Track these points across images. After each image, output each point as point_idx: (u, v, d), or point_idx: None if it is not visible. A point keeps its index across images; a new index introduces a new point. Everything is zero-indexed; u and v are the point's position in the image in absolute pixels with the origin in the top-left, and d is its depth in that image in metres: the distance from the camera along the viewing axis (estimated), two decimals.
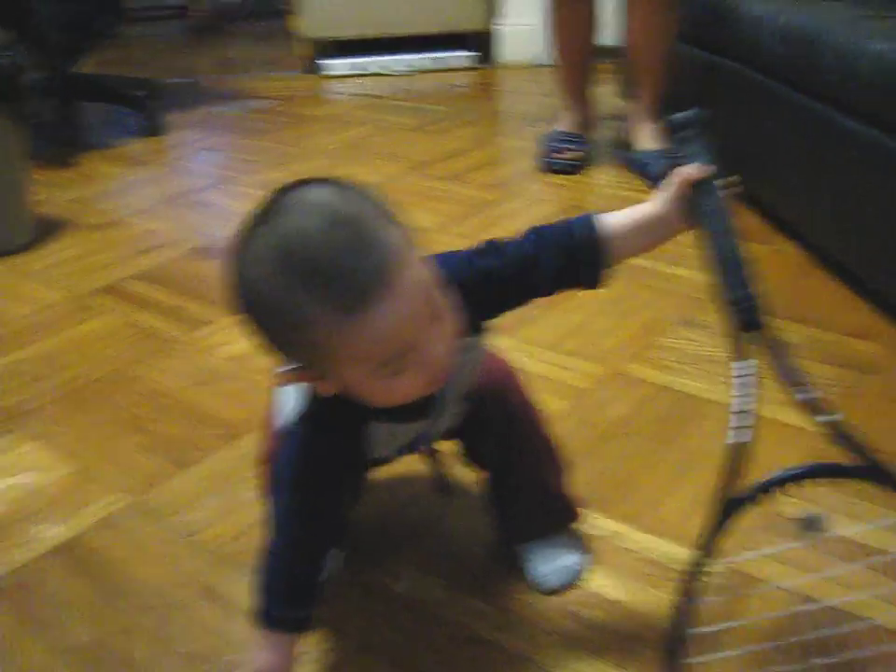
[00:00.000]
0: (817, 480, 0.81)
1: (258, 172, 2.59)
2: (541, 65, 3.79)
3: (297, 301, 0.71)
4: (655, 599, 1.02)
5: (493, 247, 0.88)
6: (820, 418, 0.78)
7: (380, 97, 3.45)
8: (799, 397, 0.78)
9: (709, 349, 1.52)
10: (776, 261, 1.85)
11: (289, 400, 0.93)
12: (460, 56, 3.83)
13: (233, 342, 1.62)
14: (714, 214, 0.83)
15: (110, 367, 1.57)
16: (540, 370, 1.47)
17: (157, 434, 1.38)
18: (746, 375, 0.79)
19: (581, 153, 2.48)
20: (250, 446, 1.29)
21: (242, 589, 1.02)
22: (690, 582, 0.79)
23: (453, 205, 2.25)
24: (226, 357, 1.58)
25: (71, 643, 1.01)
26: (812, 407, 0.78)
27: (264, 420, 1.04)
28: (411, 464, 1.12)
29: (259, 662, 0.88)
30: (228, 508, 1.20)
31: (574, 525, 1.10)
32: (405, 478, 1.21)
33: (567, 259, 0.87)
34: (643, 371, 1.48)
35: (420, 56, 3.80)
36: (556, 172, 2.43)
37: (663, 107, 2.37)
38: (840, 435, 0.78)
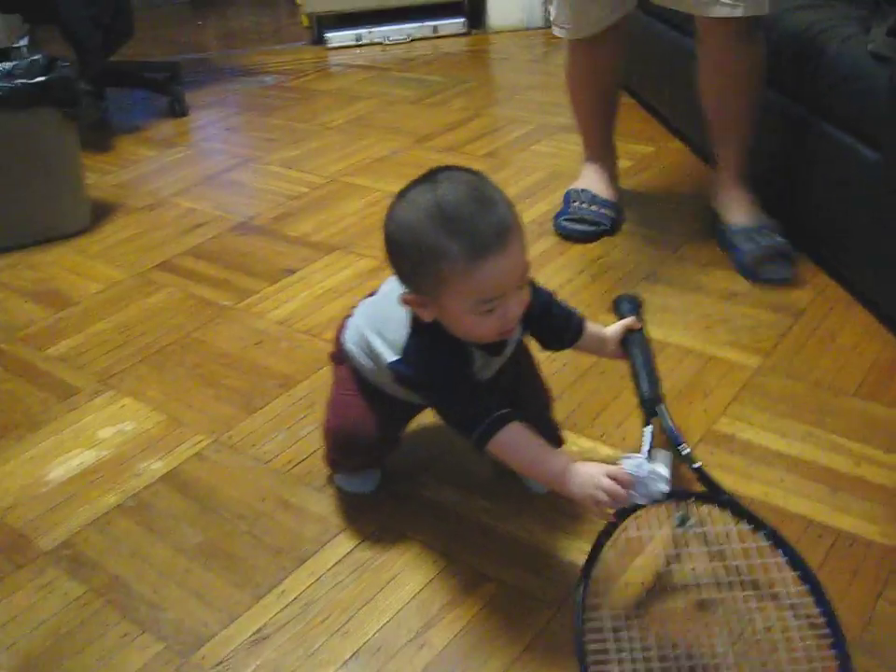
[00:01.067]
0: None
1: (277, 150, 2.91)
2: (528, 29, 4.09)
3: (438, 240, 1.03)
4: None
5: (558, 301, 1.31)
6: (694, 465, 1.18)
7: (382, 69, 3.75)
8: (682, 452, 1.19)
9: (667, 300, 1.86)
10: None
11: (357, 320, 1.29)
12: (455, 23, 4.11)
13: (278, 307, 1.96)
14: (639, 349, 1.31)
15: (178, 333, 1.91)
16: None
17: (226, 387, 1.72)
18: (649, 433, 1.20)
19: (604, 218, 2.16)
20: (303, 393, 1.65)
21: (308, 499, 1.40)
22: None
23: None
24: (274, 321, 1.92)
25: (187, 544, 1.36)
26: (689, 458, 1.19)
27: (336, 333, 1.38)
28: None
29: None
30: (291, 441, 1.55)
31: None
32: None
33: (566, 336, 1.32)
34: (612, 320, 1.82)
35: (416, 25, 4.09)
36: (574, 240, 2.14)
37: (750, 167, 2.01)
38: (704, 476, 1.18)
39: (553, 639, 1.15)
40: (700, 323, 1.77)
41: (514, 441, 1.11)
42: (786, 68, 1.92)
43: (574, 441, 1.49)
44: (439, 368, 1.16)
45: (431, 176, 1.09)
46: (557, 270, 2.01)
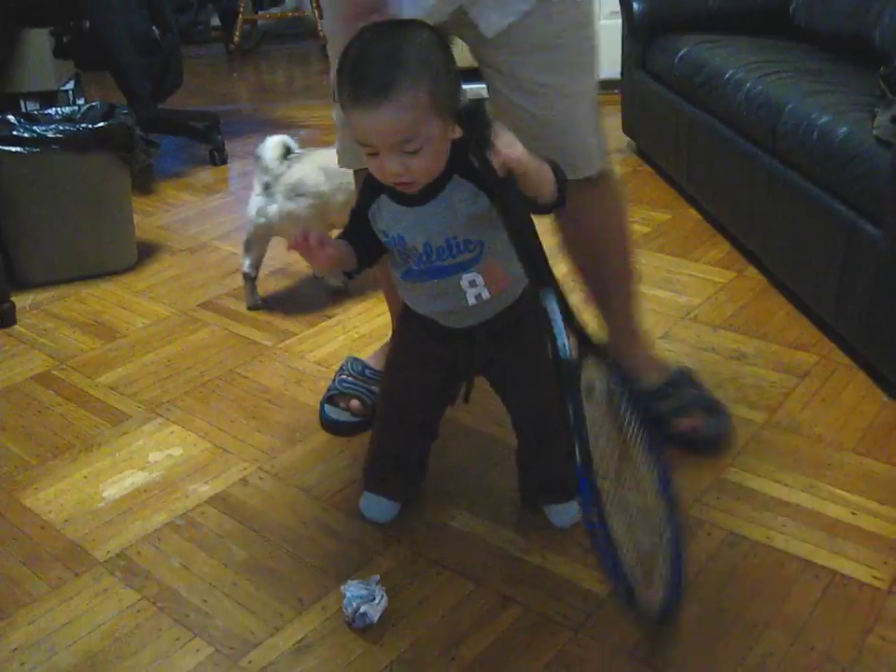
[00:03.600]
0: None
1: None
2: None
3: (339, 76, 1.18)
4: None
5: None
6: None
7: None
8: None
9: (681, 358, 1.98)
10: (740, 284, 2.32)
11: None
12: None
13: (316, 349, 2.10)
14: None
15: (222, 368, 2.04)
16: None
17: (268, 420, 1.85)
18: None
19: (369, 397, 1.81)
20: None
21: (347, 525, 1.53)
22: None
23: None
24: (313, 361, 2.05)
25: (233, 560, 1.48)
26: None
27: None
28: (460, 438, 1.60)
29: None
30: (330, 471, 1.68)
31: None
32: (456, 446, 1.69)
33: None
34: None
35: None
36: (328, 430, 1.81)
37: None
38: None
39: (571, 658, 1.26)
40: (711, 380, 1.89)
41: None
42: (798, 148, 2.07)
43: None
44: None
45: (387, 26, 1.20)
46: None
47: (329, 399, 1.83)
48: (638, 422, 1.32)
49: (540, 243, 1.21)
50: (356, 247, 1.34)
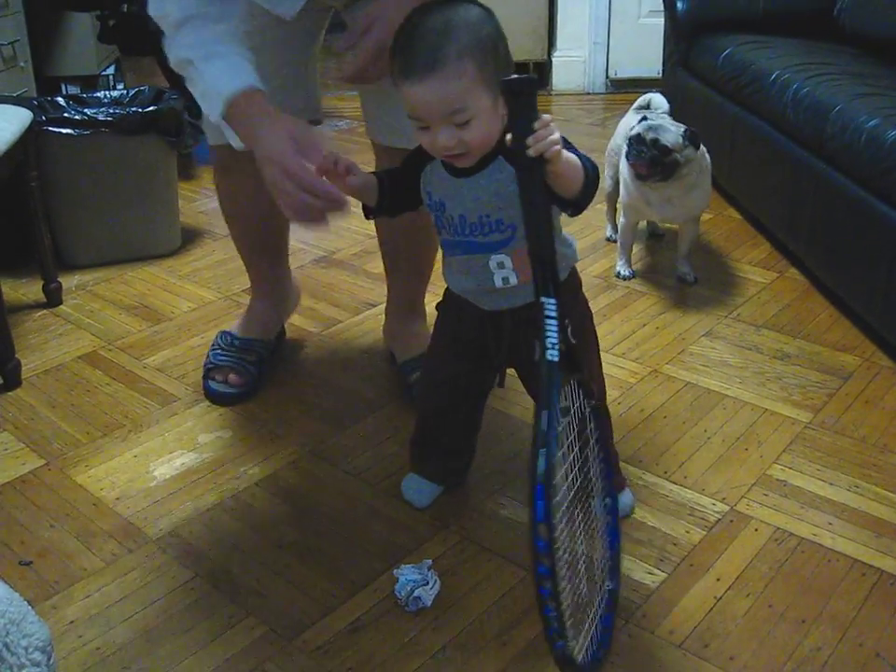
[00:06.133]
0: None
1: None
2: (589, 94, 4.29)
3: (394, 49, 1.21)
4: (679, 525, 1.50)
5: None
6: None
7: None
8: None
9: (725, 356, 2.00)
10: (782, 285, 2.33)
11: None
12: None
13: (361, 336, 2.12)
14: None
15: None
16: None
17: (316, 405, 1.87)
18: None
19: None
20: (389, 415, 1.80)
21: (397, 510, 1.55)
22: None
23: None
24: (358, 349, 2.08)
25: (284, 541, 1.50)
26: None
27: None
28: (511, 427, 1.62)
29: None
30: (379, 457, 1.70)
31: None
32: (507, 435, 1.71)
33: None
34: (675, 371, 1.96)
35: None
36: (214, 402, 1.89)
37: None
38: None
39: (620, 647, 1.28)
40: (755, 379, 1.91)
41: None
42: (845, 150, 2.08)
43: (639, 476, 1.62)
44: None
45: (439, 3, 1.22)
46: (620, 322, 2.16)
47: (208, 373, 1.92)
48: (600, 460, 1.32)
49: (553, 241, 1.20)
50: (382, 187, 1.37)
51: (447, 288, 1.46)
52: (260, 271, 2.00)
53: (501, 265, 1.33)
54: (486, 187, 1.28)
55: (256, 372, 1.92)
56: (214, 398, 1.89)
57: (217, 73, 1.40)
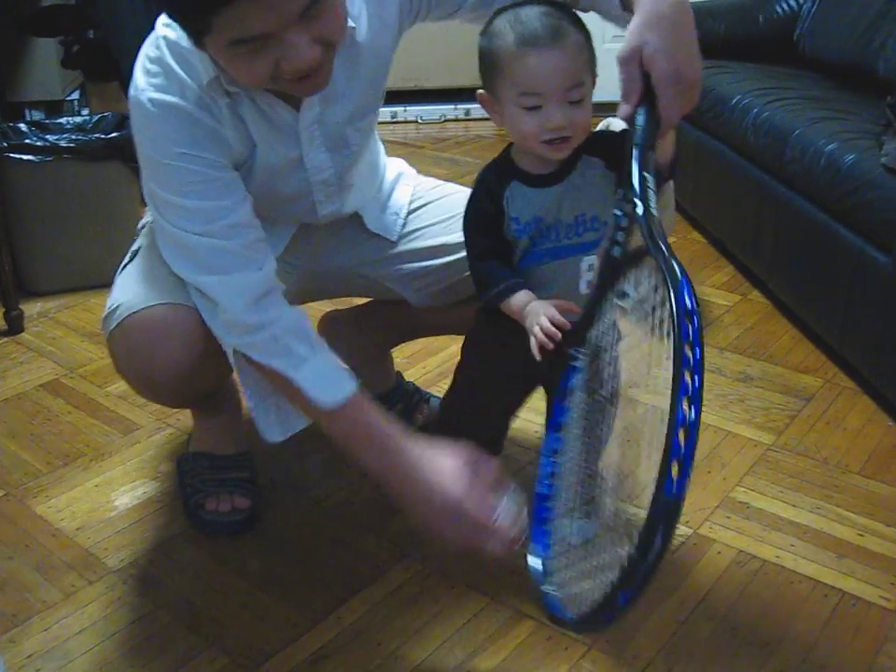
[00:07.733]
0: None
1: None
2: None
3: (503, 31, 1.18)
4: None
5: None
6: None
7: (417, 147, 3.95)
8: None
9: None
10: (745, 308, 2.35)
11: None
12: None
13: None
14: None
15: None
16: None
17: None
18: None
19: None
20: None
21: (359, 538, 1.55)
22: None
23: None
24: None
25: (246, 571, 1.49)
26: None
27: None
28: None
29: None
30: (342, 485, 1.69)
31: None
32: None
33: None
34: (636, 393, 1.96)
35: (449, 106, 4.31)
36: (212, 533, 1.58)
37: None
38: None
39: (581, 671, 1.28)
40: (718, 401, 1.92)
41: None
42: (805, 174, 2.10)
43: None
44: (471, 209, 1.30)
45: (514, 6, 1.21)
46: None
47: (202, 505, 1.59)
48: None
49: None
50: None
51: (475, 330, 1.43)
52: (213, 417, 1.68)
53: (591, 267, 1.28)
54: (581, 186, 1.26)
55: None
56: (221, 528, 1.58)
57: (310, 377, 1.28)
